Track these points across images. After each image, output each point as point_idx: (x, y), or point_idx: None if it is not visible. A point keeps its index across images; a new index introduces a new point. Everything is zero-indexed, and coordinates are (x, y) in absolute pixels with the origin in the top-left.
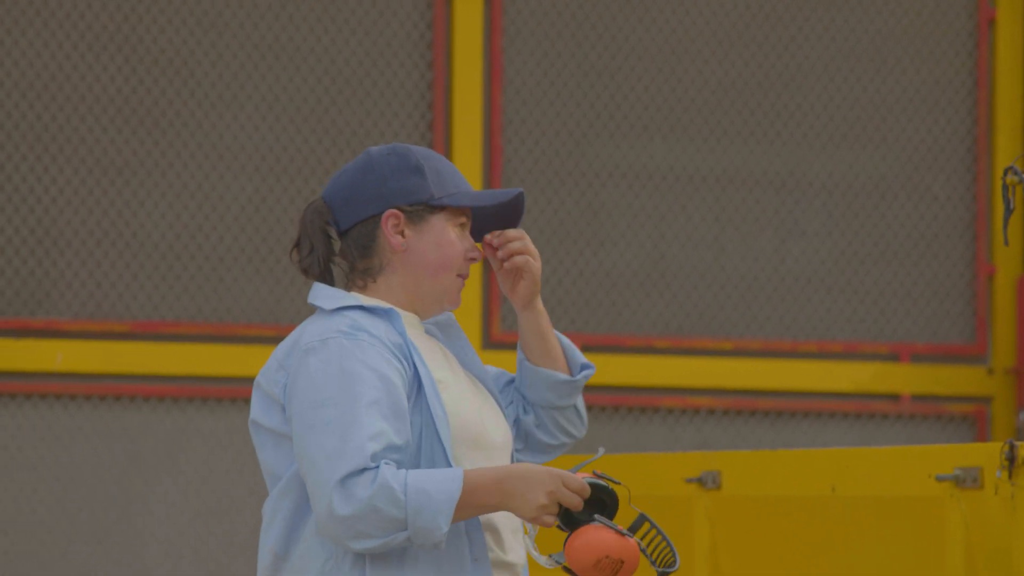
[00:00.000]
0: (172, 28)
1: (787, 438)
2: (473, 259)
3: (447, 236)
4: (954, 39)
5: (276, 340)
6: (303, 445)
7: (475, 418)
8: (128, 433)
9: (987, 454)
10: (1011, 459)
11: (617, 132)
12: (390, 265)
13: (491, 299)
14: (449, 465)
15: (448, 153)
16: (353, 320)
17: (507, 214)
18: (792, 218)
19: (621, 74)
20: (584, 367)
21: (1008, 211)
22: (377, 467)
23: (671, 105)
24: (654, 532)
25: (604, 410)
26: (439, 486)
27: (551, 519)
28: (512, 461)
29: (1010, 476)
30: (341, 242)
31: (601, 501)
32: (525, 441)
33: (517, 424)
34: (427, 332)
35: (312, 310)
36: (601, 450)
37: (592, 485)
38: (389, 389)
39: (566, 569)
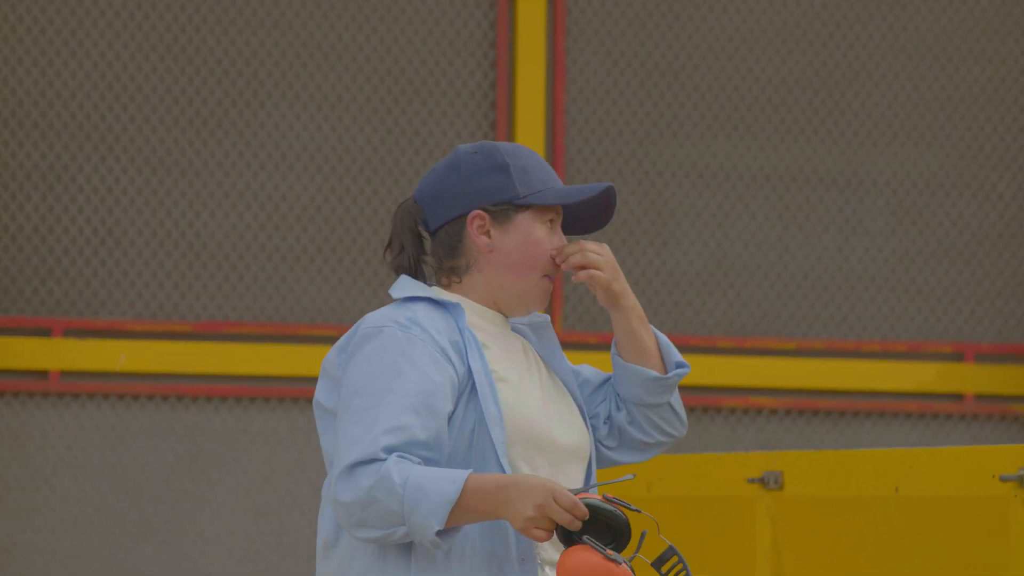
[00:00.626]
0: (235, 29)
1: (850, 438)
2: (557, 263)
3: (533, 235)
4: (1019, 36)
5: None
6: (338, 429)
7: (539, 418)
8: (190, 433)
9: None
10: None
11: (680, 131)
12: (476, 264)
13: (553, 298)
14: (500, 464)
15: None
16: (412, 313)
17: (598, 208)
18: (856, 217)
19: (684, 73)
20: (679, 365)
21: None
22: (385, 459)
23: (734, 104)
24: (680, 567)
25: None
26: (437, 485)
27: (541, 533)
28: (598, 462)
29: None
30: (432, 241)
31: (607, 526)
32: (619, 438)
33: (610, 421)
34: (515, 330)
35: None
36: (629, 475)
37: (594, 507)
38: (426, 387)
39: None
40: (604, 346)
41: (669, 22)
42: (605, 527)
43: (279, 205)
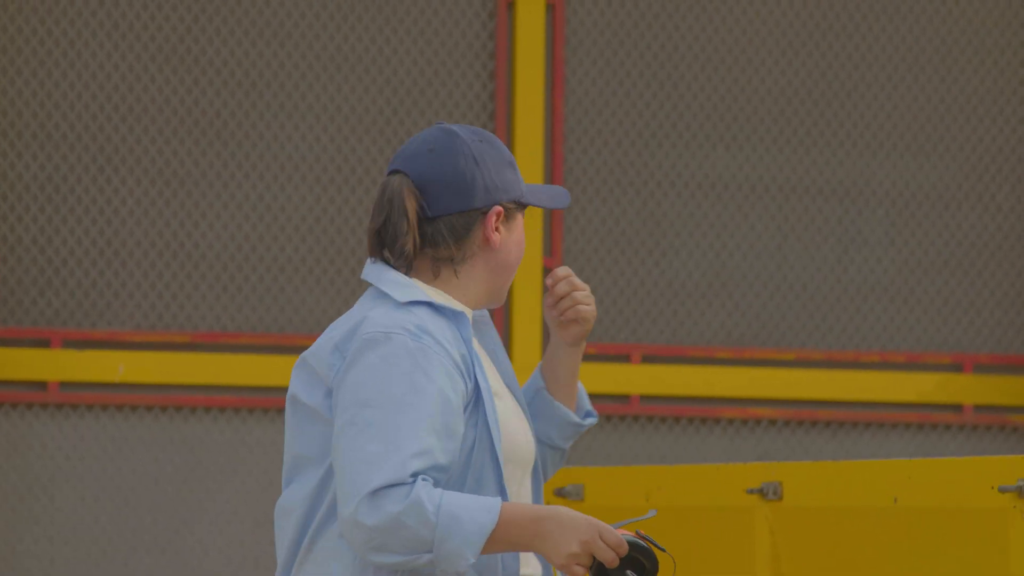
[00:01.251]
0: (234, 40)
1: (849, 449)
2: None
3: (522, 235)
4: (1018, 47)
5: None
6: (341, 440)
7: (521, 432)
8: (188, 443)
9: None
10: None
11: (679, 141)
12: (472, 258)
13: None
14: (499, 483)
15: None
16: (419, 319)
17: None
18: (855, 228)
19: (683, 83)
20: (588, 415)
21: None
22: (413, 483)
23: (733, 114)
24: None
25: (664, 420)
26: (473, 515)
27: (580, 570)
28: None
29: None
30: (425, 226)
31: (639, 563)
32: None
33: None
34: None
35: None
36: (652, 511)
37: (631, 543)
38: (445, 406)
39: None
40: (601, 356)
41: (668, 32)
42: (637, 564)
43: (278, 216)
